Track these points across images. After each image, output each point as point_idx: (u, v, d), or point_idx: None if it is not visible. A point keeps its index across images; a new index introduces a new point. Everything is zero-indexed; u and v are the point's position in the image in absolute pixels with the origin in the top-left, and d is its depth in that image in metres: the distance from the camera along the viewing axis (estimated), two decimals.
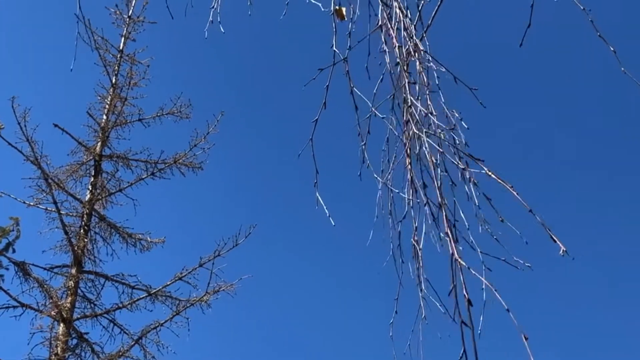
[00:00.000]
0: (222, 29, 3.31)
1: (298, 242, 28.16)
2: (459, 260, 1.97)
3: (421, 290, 2.43)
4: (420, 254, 2.38)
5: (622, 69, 2.74)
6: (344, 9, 2.98)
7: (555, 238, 1.94)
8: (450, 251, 1.98)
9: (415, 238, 2.45)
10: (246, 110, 26.70)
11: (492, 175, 2.15)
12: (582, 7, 2.73)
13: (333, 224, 2.74)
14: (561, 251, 1.92)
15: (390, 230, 2.84)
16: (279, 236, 27.39)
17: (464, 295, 1.89)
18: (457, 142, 2.42)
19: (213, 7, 3.44)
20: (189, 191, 27.49)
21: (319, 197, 2.79)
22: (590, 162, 28.59)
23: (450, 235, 2.06)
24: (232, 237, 13.01)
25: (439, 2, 3.27)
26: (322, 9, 2.83)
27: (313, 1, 2.90)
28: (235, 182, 27.68)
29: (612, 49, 2.79)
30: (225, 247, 12.94)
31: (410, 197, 2.47)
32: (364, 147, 2.81)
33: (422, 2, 3.29)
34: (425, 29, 3.15)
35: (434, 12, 3.24)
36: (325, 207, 2.75)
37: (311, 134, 2.93)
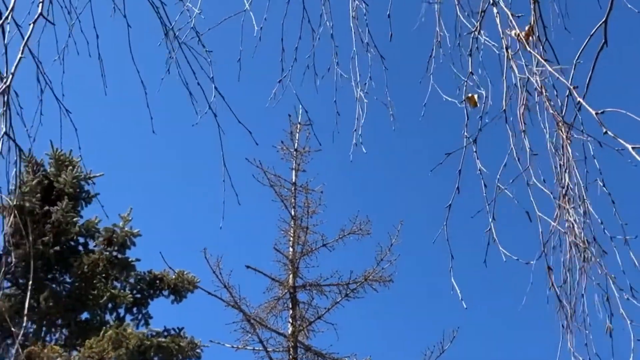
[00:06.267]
0: (363, 149, 3.38)
1: (505, 335, 26.82)
2: None
3: None
4: None
5: None
6: (476, 96, 2.90)
7: None
8: None
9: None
10: (423, 210, 26.53)
11: None
12: None
13: (465, 306, 2.60)
14: None
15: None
16: (485, 333, 26.29)
17: None
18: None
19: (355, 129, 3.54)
20: (383, 305, 27.30)
21: (454, 283, 2.68)
22: None
23: None
24: (437, 344, 12.68)
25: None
26: (458, 105, 2.79)
27: (449, 99, 2.89)
28: (428, 288, 27.20)
29: None
30: (432, 355, 12.62)
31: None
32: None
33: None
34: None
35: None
36: (459, 292, 2.63)
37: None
